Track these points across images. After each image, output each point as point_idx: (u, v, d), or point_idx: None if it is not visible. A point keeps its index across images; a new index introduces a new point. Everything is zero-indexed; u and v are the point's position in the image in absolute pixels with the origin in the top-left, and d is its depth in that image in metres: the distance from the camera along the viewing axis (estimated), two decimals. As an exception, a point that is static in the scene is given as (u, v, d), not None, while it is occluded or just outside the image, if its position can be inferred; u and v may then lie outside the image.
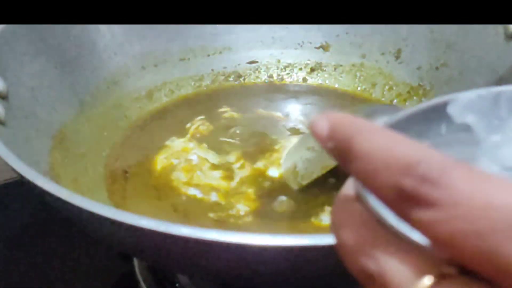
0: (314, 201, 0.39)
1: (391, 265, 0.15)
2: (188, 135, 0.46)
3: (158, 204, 0.40)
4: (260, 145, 0.45)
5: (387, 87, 0.51)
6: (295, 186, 0.40)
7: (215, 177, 0.42)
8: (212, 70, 0.54)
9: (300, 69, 0.54)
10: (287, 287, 0.29)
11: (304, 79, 0.54)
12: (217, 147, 0.45)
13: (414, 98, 0.49)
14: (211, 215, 0.38)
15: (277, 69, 0.55)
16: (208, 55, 0.53)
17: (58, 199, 0.26)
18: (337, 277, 0.28)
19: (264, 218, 0.38)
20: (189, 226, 0.24)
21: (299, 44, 0.55)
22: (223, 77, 0.54)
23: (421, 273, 0.14)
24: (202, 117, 0.49)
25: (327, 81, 0.54)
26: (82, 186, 0.39)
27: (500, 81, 0.42)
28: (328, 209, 0.39)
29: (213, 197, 0.40)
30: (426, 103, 0.18)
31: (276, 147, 0.45)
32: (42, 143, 0.39)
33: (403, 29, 0.50)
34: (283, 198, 0.40)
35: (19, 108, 0.37)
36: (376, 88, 0.52)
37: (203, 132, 0.47)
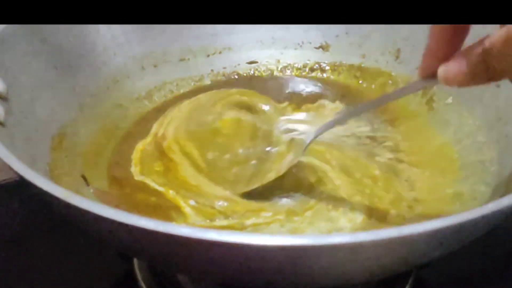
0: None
1: None
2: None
3: (158, 204, 0.40)
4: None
5: (386, 87, 0.51)
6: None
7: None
8: (212, 70, 0.54)
9: (300, 69, 0.54)
10: (287, 287, 0.29)
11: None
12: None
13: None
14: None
15: (277, 69, 0.55)
16: (208, 55, 0.53)
17: (58, 199, 0.26)
18: (337, 277, 0.28)
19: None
20: (189, 226, 0.24)
21: (299, 44, 0.55)
22: (223, 77, 0.54)
23: None
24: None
25: (327, 81, 0.54)
26: (82, 186, 0.39)
27: None
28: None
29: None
30: None
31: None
32: (42, 143, 0.39)
33: (403, 29, 0.50)
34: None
35: (19, 108, 0.37)
36: (376, 88, 0.52)
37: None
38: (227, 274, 0.28)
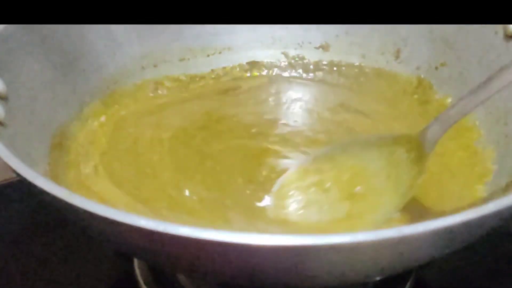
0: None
1: None
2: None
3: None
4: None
5: (387, 87, 0.51)
6: None
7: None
8: (212, 70, 0.54)
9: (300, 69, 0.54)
10: (287, 287, 0.29)
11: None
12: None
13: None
14: None
15: (277, 69, 0.55)
16: (208, 55, 0.53)
17: (58, 199, 0.26)
18: (337, 277, 0.28)
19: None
20: (188, 226, 0.24)
21: (299, 44, 0.55)
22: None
23: None
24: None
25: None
26: (82, 187, 0.39)
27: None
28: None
29: None
30: None
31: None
32: (42, 143, 0.38)
33: (403, 29, 0.50)
34: None
35: (19, 108, 0.37)
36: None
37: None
38: (227, 274, 0.28)
